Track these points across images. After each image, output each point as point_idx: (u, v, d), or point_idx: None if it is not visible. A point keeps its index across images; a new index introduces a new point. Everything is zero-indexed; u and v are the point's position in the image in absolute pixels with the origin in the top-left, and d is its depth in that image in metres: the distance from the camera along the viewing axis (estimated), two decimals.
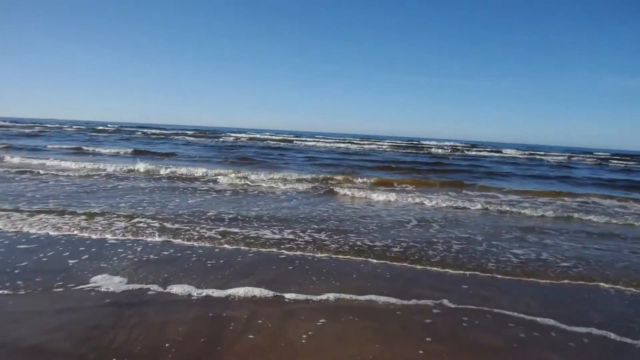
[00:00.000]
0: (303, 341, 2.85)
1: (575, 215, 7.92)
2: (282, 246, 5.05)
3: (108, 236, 5.14)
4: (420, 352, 2.79)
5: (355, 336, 2.95)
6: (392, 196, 9.18)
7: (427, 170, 17.27)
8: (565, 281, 4.24)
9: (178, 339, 2.81)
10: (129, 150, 19.14)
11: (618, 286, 4.16)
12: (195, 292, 3.61)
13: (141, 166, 12.45)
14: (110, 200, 7.37)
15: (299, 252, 4.87)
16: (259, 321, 3.11)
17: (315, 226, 6.16)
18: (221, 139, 37.72)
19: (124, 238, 5.08)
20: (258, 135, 49.15)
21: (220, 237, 5.33)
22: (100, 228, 5.46)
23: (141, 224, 5.74)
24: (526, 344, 2.96)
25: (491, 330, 3.17)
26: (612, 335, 3.12)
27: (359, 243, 5.35)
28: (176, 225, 5.77)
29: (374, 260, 4.73)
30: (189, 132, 48.61)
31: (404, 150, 34.34)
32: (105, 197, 7.71)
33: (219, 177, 11.48)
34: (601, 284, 4.19)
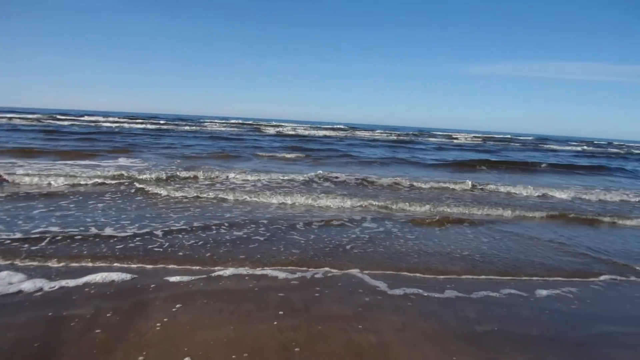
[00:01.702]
0: (157, 328, 2.77)
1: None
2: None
3: None
4: (275, 323, 2.92)
5: (210, 320, 2.94)
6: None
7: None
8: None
9: (4, 347, 2.50)
10: None
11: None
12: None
13: None
14: None
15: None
16: (108, 315, 2.93)
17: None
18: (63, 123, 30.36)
19: None
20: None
21: None
22: None
23: None
24: (370, 308, 3.29)
25: (340, 299, 3.43)
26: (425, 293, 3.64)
27: (201, 234, 5.27)
28: None
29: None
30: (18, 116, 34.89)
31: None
32: None
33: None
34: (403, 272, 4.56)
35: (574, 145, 45.58)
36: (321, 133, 36.30)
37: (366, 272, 4.05)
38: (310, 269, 4.05)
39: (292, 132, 35.40)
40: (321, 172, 10.68)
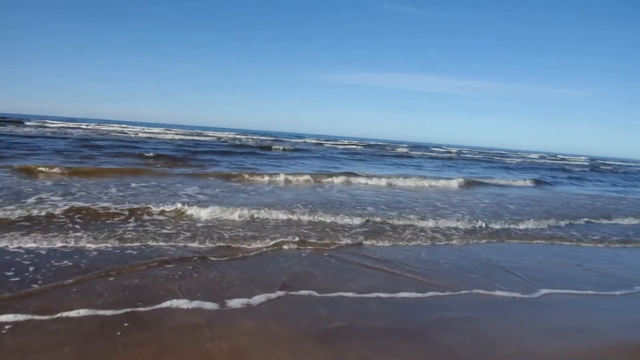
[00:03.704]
0: None
1: None
2: None
3: None
4: (119, 338, 2.77)
5: (44, 343, 2.68)
6: None
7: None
8: None
9: None
10: None
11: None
12: None
13: None
14: None
15: None
16: None
17: None
18: None
19: None
20: None
21: None
22: None
23: None
24: (224, 315, 3.30)
25: (194, 308, 3.38)
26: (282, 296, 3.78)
27: None
28: None
29: None
30: None
31: None
32: None
33: None
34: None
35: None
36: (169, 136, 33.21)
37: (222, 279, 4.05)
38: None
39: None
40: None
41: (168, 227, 5.66)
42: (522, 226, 7.55)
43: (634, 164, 62.33)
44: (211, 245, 5.07)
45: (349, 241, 5.67)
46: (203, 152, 19.66)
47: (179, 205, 6.50)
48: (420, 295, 4.01)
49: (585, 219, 8.83)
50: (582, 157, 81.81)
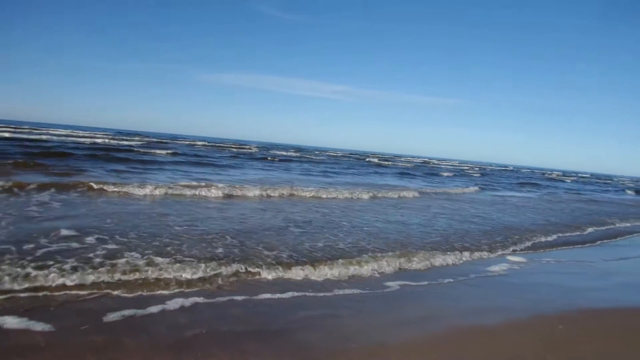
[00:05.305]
0: None
1: None
2: None
3: None
4: None
5: None
6: None
7: None
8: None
9: None
10: None
11: None
12: None
13: None
14: None
15: None
16: None
17: None
18: None
19: None
20: None
21: None
22: None
23: None
24: (71, 332, 3.01)
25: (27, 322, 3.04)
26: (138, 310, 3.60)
27: None
28: None
29: None
30: None
31: None
32: None
33: None
34: None
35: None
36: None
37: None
38: None
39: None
40: None
41: None
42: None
43: (491, 167, 70.72)
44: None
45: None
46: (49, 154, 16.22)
47: None
48: (281, 296, 4.10)
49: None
50: (455, 161, 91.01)
